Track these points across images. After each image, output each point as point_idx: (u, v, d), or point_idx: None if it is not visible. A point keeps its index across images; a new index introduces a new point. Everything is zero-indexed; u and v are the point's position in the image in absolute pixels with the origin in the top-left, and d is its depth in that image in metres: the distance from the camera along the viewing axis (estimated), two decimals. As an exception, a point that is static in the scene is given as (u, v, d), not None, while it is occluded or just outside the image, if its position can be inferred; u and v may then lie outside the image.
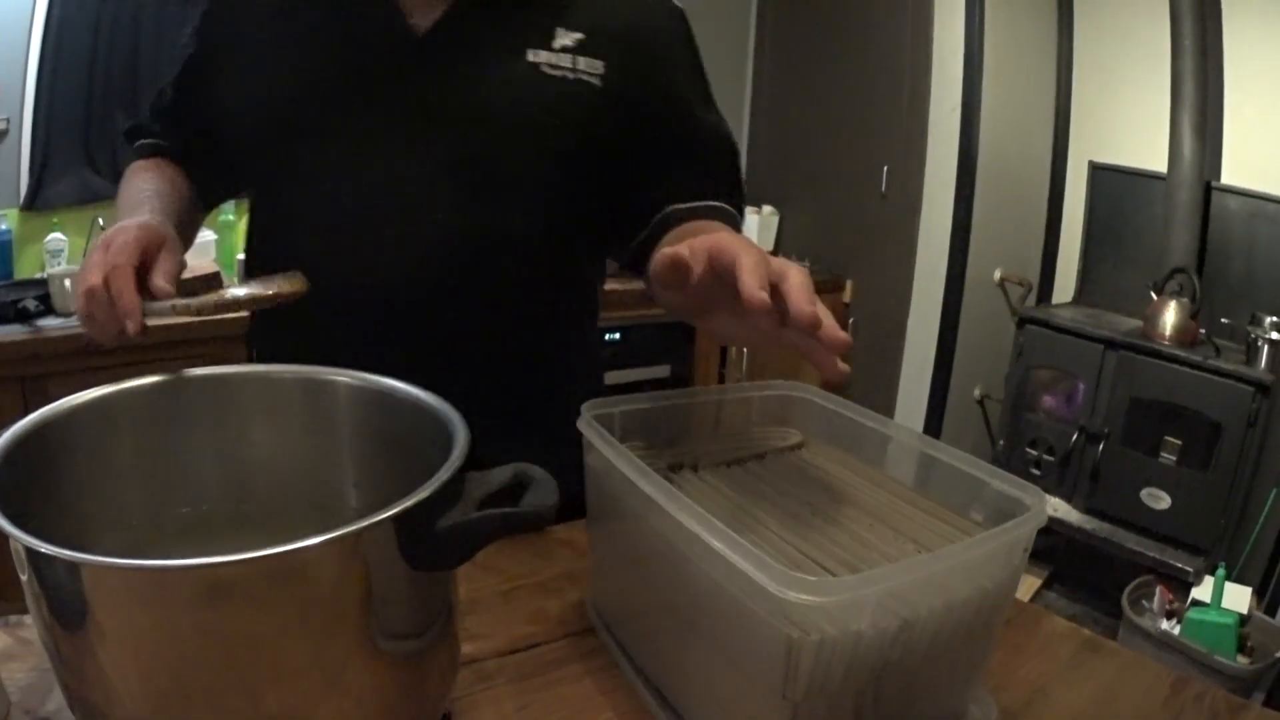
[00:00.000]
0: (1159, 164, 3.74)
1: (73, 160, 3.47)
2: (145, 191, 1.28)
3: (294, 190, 1.32)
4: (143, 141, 1.45)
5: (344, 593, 0.68)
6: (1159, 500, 3.31)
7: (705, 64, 1.38)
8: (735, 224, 1.32)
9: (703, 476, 0.99)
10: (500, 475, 0.76)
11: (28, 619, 1.06)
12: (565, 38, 1.26)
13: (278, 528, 0.95)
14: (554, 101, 1.25)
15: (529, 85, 1.24)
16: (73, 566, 0.63)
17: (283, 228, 1.36)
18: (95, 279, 0.99)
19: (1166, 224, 3.66)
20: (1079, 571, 3.59)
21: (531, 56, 1.24)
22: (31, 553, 0.64)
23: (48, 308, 3.03)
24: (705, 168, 1.35)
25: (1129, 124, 4.01)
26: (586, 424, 0.97)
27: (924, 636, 0.76)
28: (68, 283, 2.98)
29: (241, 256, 1.61)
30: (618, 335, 3.78)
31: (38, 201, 3.42)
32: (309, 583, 0.66)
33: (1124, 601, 3.05)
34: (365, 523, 0.66)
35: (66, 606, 0.66)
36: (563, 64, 1.25)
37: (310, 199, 1.30)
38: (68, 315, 2.97)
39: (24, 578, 0.68)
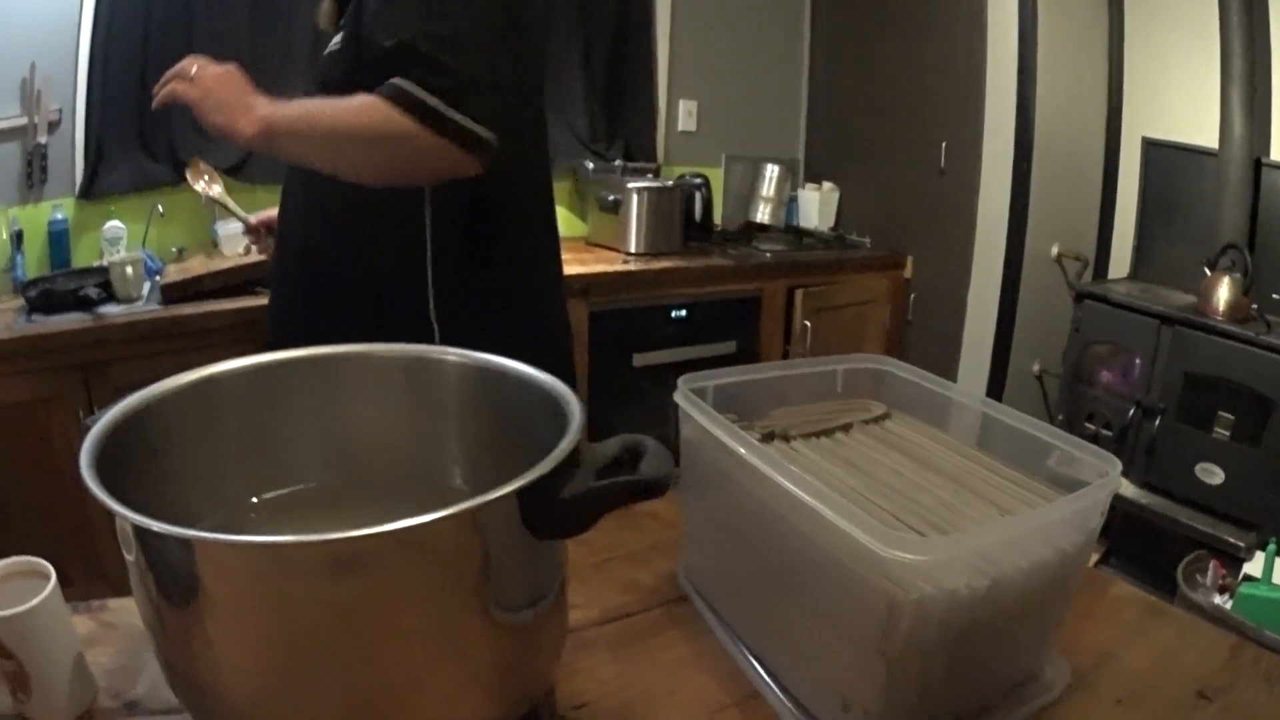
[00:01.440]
0: (1211, 140, 3.75)
1: (128, 148, 3.49)
2: None
3: None
4: None
5: (467, 564, 0.70)
6: (1213, 475, 3.34)
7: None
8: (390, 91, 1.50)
9: (794, 447, 1.06)
10: (612, 446, 0.79)
11: (111, 603, 1.12)
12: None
13: (381, 504, 0.97)
14: (328, 68, 1.63)
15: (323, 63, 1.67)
16: (185, 544, 0.65)
17: None
18: None
19: (1218, 200, 3.67)
20: (1134, 545, 3.60)
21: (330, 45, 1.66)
22: (141, 531, 0.66)
23: (109, 295, 3.06)
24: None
25: (1181, 100, 4.01)
26: (683, 396, 1.04)
27: (1009, 596, 0.82)
28: (129, 270, 3.03)
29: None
30: (684, 311, 3.83)
31: (94, 190, 3.44)
32: (434, 555, 0.68)
33: (1179, 576, 3.09)
34: (495, 494, 0.68)
35: (177, 584, 0.68)
36: (334, 44, 1.63)
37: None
38: (129, 301, 3.01)
39: (130, 557, 0.71)
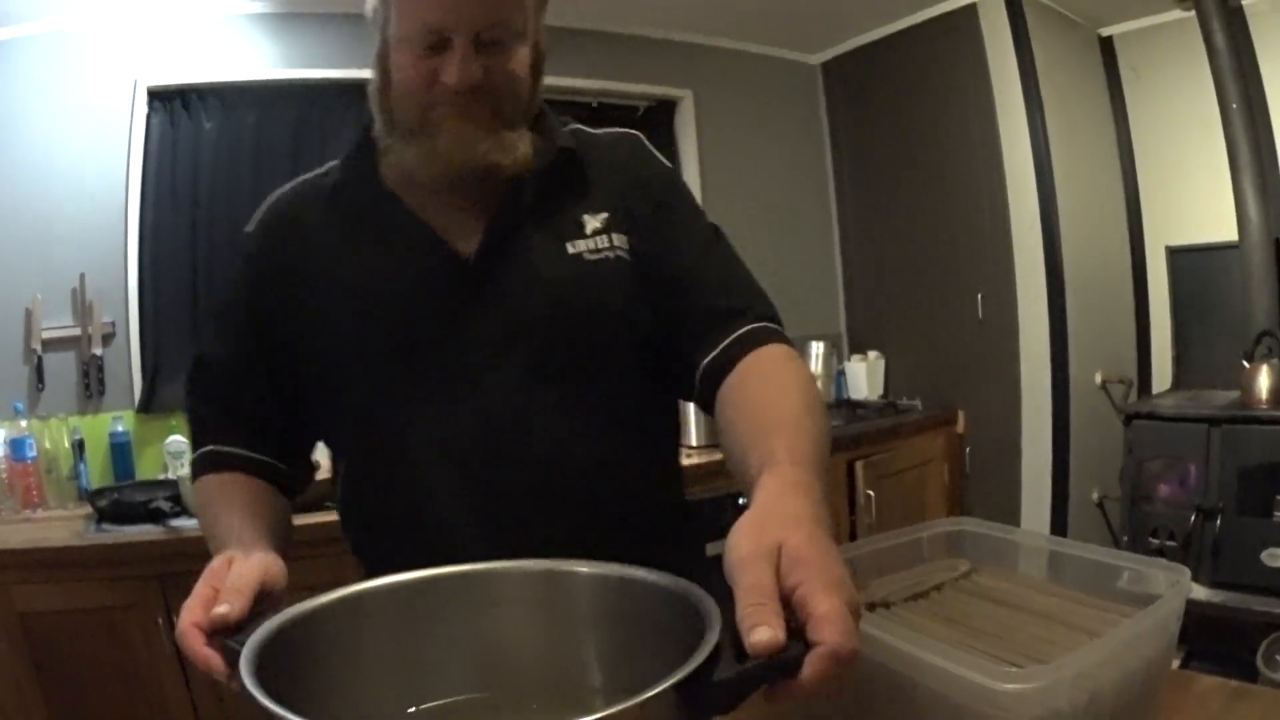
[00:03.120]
0: (1232, 233, 3.91)
1: (185, 363, 3.63)
2: (234, 520, 1.28)
3: (382, 427, 1.41)
4: (207, 450, 1.46)
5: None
6: (1278, 558, 3.43)
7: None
8: (774, 335, 1.39)
9: (896, 612, 1.21)
10: None
11: None
12: (594, 221, 1.43)
13: (528, 710, 1.04)
14: (604, 284, 1.40)
15: (578, 276, 1.39)
16: None
17: (376, 463, 1.46)
18: (184, 624, 1.01)
19: (1245, 290, 3.83)
20: (1213, 644, 3.64)
21: (571, 249, 1.40)
22: None
23: (180, 508, 3.19)
24: (729, 293, 1.44)
25: (1197, 201, 4.23)
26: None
27: (1106, 707, 0.97)
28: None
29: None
30: (741, 500, 3.90)
31: (153, 404, 3.63)
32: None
33: (1258, 661, 3.15)
34: (660, 688, 0.72)
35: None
36: (601, 246, 1.41)
37: (399, 431, 1.40)
38: (203, 514, 3.15)
39: None
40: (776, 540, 0.86)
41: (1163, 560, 1.11)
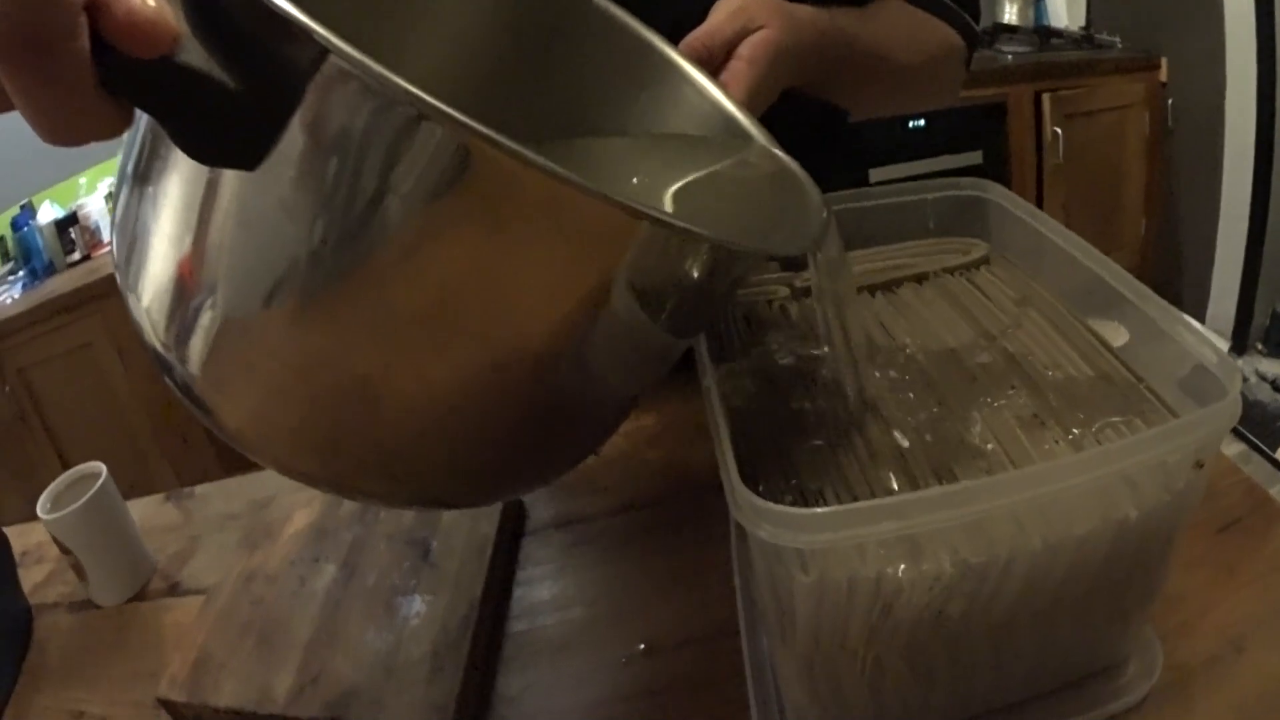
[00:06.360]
0: None
1: None
2: None
3: None
4: None
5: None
6: None
7: None
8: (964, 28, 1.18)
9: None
10: None
11: (199, 490, 1.17)
12: None
13: None
14: None
15: None
16: None
17: None
18: None
19: None
20: None
21: None
22: None
23: None
24: None
25: None
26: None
27: (1010, 584, 0.53)
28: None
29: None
30: (922, 122, 3.45)
31: None
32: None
33: None
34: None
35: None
36: None
37: None
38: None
39: None
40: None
41: (1224, 353, 0.58)
